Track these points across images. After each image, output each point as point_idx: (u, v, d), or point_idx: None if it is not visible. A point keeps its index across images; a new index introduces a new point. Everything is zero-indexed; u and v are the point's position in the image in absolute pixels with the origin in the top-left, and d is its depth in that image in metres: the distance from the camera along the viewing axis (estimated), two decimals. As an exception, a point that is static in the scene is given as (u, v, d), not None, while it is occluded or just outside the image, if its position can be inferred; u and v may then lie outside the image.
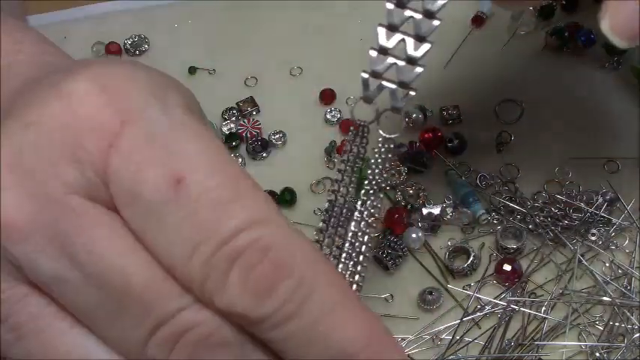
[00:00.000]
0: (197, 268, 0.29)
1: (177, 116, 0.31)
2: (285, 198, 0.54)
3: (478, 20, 0.62)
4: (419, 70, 0.35)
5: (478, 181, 0.54)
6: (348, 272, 0.35)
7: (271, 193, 0.54)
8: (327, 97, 0.59)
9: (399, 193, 0.53)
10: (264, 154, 0.57)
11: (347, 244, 0.36)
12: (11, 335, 0.31)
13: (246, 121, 0.58)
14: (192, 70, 0.61)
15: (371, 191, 0.36)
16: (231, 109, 0.59)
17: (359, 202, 0.36)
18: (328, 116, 0.58)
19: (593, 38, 0.59)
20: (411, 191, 0.53)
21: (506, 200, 0.52)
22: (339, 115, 0.58)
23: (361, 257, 0.35)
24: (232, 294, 0.29)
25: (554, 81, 0.59)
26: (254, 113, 0.59)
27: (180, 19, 0.65)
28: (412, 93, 0.35)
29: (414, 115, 0.56)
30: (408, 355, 0.48)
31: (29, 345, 0.31)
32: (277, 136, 0.57)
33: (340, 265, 0.35)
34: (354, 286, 0.35)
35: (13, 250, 0.30)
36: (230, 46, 0.63)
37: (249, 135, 0.58)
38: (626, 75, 0.58)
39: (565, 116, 0.57)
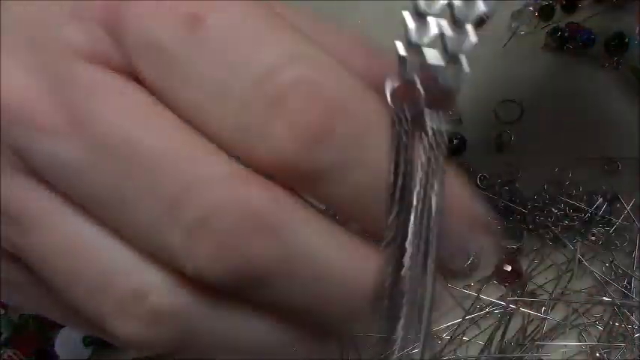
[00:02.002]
0: (232, 117, 0.24)
1: None
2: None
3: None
4: (473, 39, 0.27)
5: (478, 181, 0.54)
6: None
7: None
8: (327, 97, 0.59)
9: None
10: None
11: None
12: (14, 229, 0.27)
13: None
14: (192, 70, 0.61)
15: None
16: (231, 109, 0.59)
17: None
18: (328, 116, 0.58)
19: (594, 38, 0.59)
20: (411, 191, 0.53)
21: (507, 200, 0.52)
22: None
23: None
24: (280, 140, 0.24)
25: (554, 81, 0.59)
26: (254, 113, 0.59)
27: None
28: (466, 70, 0.26)
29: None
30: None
31: (40, 241, 0.27)
32: (277, 136, 0.57)
33: None
34: None
35: (15, 134, 0.25)
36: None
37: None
38: (626, 75, 0.58)
39: (565, 116, 0.57)
